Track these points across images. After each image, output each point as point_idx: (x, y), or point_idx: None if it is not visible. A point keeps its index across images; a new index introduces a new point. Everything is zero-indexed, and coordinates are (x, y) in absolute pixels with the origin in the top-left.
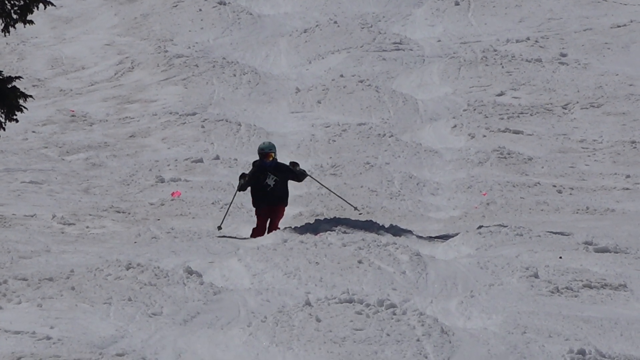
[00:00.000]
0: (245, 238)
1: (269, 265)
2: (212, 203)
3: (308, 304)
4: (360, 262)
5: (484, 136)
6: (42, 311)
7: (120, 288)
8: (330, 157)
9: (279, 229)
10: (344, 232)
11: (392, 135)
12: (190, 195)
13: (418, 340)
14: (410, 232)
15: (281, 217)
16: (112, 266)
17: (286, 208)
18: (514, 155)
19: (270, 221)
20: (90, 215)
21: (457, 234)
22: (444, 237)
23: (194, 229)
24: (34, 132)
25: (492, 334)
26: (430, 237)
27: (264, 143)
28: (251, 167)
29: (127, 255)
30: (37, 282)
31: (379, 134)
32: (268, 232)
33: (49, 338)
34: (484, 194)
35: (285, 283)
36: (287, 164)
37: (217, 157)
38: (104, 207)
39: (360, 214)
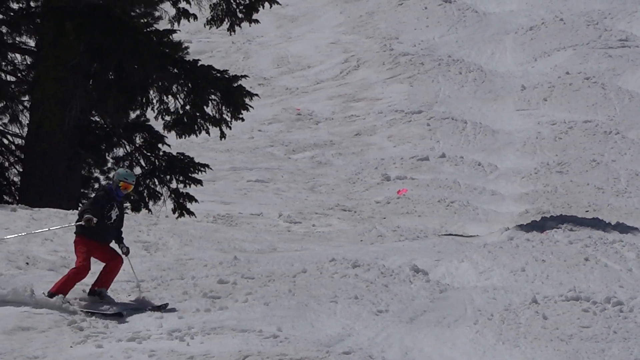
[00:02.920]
0: (471, 236)
1: (496, 263)
2: (438, 201)
3: (535, 301)
4: (586, 259)
5: None
6: (269, 310)
7: (346, 286)
8: (556, 155)
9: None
10: (570, 230)
11: (618, 133)
12: (416, 193)
13: None
14: (637, 229)
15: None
16: (338, 264)
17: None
18: None
19: (107, 261)
20: (316, 213)
21: None
22: None
23: (420, 227)
24: (260, 130)
25: None
26: None
27: (127, 170)
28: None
29: (353, 254)
30: (264, 280)
31: (605, 132)
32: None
33: (275, 336)
34: None
35: (511, 281)
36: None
37: (443, 155)
38: (330, 205)
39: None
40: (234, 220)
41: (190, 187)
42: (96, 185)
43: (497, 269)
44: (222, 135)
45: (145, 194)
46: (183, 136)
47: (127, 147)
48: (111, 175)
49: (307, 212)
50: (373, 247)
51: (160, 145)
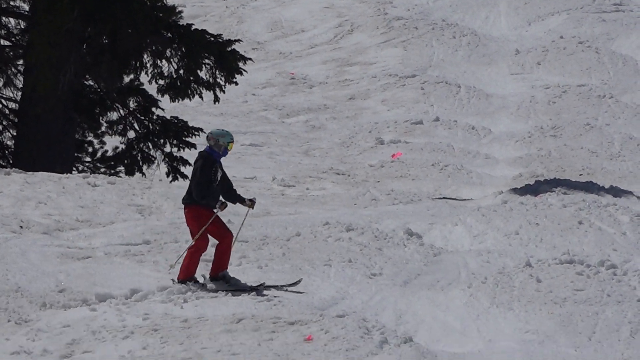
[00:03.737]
0: (465, 199)
1: (489, 227)
2: (432, 165)
3: (528, 265)
4: (580, 223)
5: None
6: (263, 273)
7: (340, 250)
8: (550, 119)
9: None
10: (564, 193)
11: (612, 97)
12: (410, 157)
13: (639, 300)
14: (630, 193)
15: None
16: (332, 228)
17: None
18: None
19: (219, 229)
20: (310, 177)
21: None
22: None
23: (414, 191)
24: (253, 94)
25: None
26: None
27: (224, 130)
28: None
29: (347, 217)
30: (258, 244)
31: (599, 95)
32: (222, 244)
33: (269, 300)
34: None
35: (505, 244)
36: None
37: (437, 119)
38: (324, 169)
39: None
40: None
41: (184, 151)
42: (90, 150)
43: (491, 233)
44: (216, 99)
45: (139, 158)
46: (177, 100)
47: (121, 111)
48: (208, 139)
49: (301, 176)
50: (367, 211)
51: (154, 109)
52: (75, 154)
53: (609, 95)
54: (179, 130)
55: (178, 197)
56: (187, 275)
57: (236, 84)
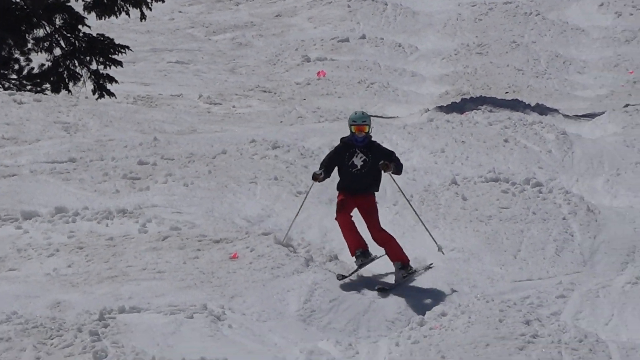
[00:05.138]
0: (391, 117)
1: (416, 145)
2: (359, 82)
3: (454, 182)
4: (506, 141)
5: (631, 14)
6: (189, 191)
7: (266, 167)
8: (477, 36)
9: (385, 231)
10: (490, 111)
11: (538, 14)
12: (336, 74)
13: (564, 218)
14: (556, 110)
15: (375, 212)
16: (258, 145)
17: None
18: None
19: (365, 220)
20: (236, 94)
21: (603, 113)
22: (590, 116)
23: (340, 109)
24: (180, 12)
25: (638, 212)
26: (577, 115)
27: (355, 113)
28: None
29: (273, 135)
30: (183, 161)
31: (526, 12)
32: (372, 235)
33: (195, 217)
34: (631, 72)
35: (431, 162)
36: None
37: (364, 37)
38: (250, 86)
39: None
40: (154, 101)
41: (110, 68)
42: (16, 67)
43: (417, 150)
44: (142, 17)
45: (65, 75)
46: (103, 17)
47: (47, 28)
48: None
49: (227, 94)
50: (293, 129)
51: (80, 27)
52: (1, 71)
53: (536, 13)
54: (105, 48)
55: (104, 115)
56: (353, 250)
57: (162, 1)
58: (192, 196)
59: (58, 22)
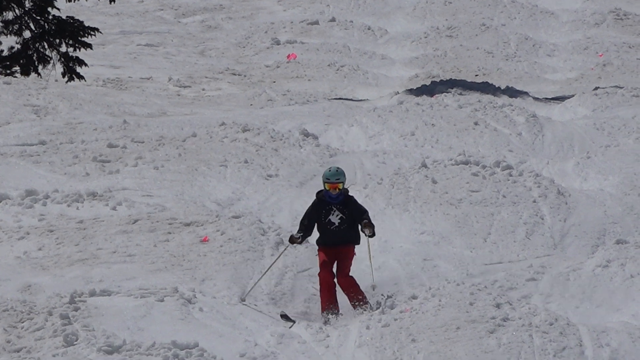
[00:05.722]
0: (361, 100)
1: (385, 128)
2: (328, 65)
3: (424, 166)
4: (476, 123)
5: None
6: (159, 174)
7: (236, 150)
8: (446, 19)
9: (351, 277)
10: (460, 94)
11: None
12: (306, 57)
13: (534, 201)
14: (526, 93)
15: (351, 260)
16: (228, 128)
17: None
18: (631, 17)
19: (337, 264)
20: (206, 77)
21: (573, 96)
22: (560, 99)
23: (310, 91)
24: None
25: (608, 195)
26: (547, 98)
27: (330, 169)
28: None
29: (243, 118)
30: (154, 144)
31: None
32: (337, 279)
33: (165, 201)
34: (600, 55)
35: (401, 145)
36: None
37: (333, 19)
38: (220, 69)
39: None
40: (123, 84)
41: (79, 50)
42: None
43: (387, 133)
44: None
45: (34, 58)
46: (73, 0)
47: (17, 10)
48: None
49: (197, 76)
50: (263, 111)
51: (49, 9)
52: None
53: None
54: (74, 30)
55: (74, 98)
56: (324, 308)
57: None
58: (162, 179)
59: (27, 4)
